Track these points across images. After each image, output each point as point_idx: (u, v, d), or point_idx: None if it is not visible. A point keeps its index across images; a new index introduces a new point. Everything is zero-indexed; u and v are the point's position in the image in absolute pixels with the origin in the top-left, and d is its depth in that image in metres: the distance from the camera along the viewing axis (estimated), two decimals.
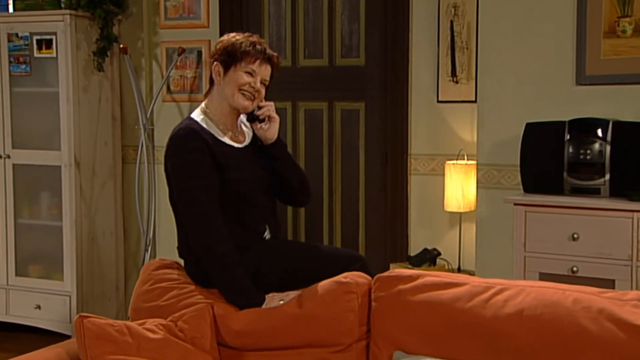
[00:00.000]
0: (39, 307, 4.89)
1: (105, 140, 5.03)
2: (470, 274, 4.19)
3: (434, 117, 4.42)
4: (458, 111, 4.36)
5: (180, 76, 4.98)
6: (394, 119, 4.50)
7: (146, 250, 4.90)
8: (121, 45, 4.77)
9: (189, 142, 2.76)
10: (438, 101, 4.40)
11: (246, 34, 2.90)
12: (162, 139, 4.99)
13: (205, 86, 4.77)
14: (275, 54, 2.94)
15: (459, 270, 4.27)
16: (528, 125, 3.67)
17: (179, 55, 4.88)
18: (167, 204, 5.01)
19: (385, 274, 2.74)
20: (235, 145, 2.89)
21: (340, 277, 2.73)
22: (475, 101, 4.24)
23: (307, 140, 4.70)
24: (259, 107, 2.90)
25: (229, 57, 2.84)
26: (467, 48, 4.31)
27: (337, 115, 4.68)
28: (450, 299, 2.55)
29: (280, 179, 2.97)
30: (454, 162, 4.23)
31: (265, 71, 2.88)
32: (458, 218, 4.32)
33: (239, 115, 2.95)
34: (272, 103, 2.93)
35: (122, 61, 5.03)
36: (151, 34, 5.06)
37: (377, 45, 4.54)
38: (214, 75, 2.89)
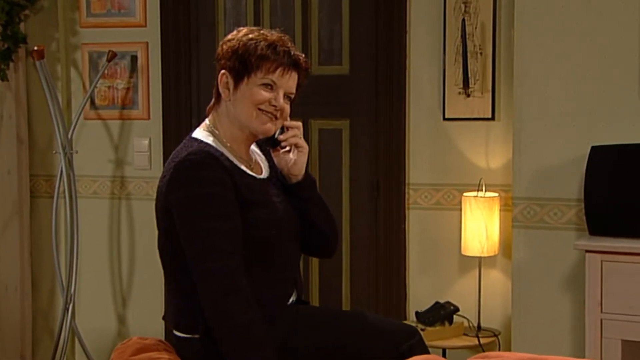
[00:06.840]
0: None
1: (9, 168, 4.17)
2: (494, 334, 3.42)
3: (438, 139, 3.66)
4: (470, 131, 3.61)
5: (109, 87, 4.04)
6: (387, 140, 3.72)
7: (66, 309, 3.86)
8: (35, 48, 3.73)
9: (206, 171, 2.13)
10: (444, 119, 3.64)
11: (262, 31, 2.28)
12: (84, 166, 4.09)
13: (150, 99, 3.94)
14: (303, 55, 2.28)
15: (479, 329, 3.45)
16: (594, 149, 2.92)
17: (109, 61, 3.90)
18: (91, 248, 4.13)
19: (476, 358, 2.12)
20: (257, 176, 2.30)
21: None
22: (491, 118, 3.58)
23: None
24: (282, 130, 2.32)
25: (240, 65, 2.23)
26: (481, 53, 3.55)
27: (314, 135, 3.87)
28: None
29: (307, 224, 2.39)
30: (474, 194, 3.42)
31: (290, 82, 2.26)
32: (475, 263, 3.51)
33: (253, 142, 2.32)
34: (299, 124, 2.34)
35: (30, 68, 4.11)
36: (69, 33, 4.13)
37: (365, 49, 3.75)
38: (221, 89, 2.28)
